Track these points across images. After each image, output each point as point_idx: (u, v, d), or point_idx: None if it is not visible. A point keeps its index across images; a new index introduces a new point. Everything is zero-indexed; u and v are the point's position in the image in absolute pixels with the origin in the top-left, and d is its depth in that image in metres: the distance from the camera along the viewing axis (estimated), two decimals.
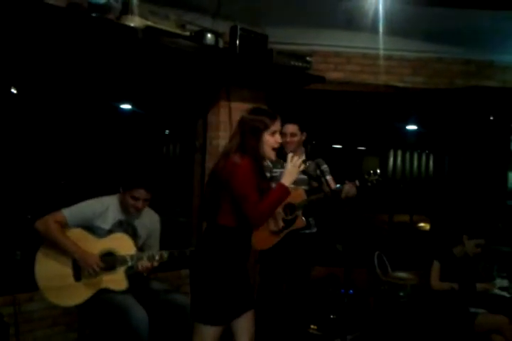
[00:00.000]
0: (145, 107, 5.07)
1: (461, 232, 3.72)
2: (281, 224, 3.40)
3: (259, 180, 2.32)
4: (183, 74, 3.98)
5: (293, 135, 3.55)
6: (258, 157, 2.36)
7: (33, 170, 4.27)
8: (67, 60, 3.49)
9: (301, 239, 3.51)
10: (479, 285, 3.56)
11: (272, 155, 2.40)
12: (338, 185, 3.49)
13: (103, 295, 2.77)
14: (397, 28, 4.07)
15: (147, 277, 3.05)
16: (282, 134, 3.51)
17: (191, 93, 4.21)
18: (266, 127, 2.34)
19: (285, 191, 2.31)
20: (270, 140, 2.36)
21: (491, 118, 5.24)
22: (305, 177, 3.58)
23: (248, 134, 2.34)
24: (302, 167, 2.33)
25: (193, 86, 4.16)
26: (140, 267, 2.84)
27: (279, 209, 3.38)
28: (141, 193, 2.91)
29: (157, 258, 2.86)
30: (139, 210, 2.97)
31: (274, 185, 3.49)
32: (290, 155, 2.34)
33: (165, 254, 2.89)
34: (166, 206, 4.65)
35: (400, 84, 4.55)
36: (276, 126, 2.37)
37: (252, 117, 2.38)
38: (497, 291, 3.72)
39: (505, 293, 3.72)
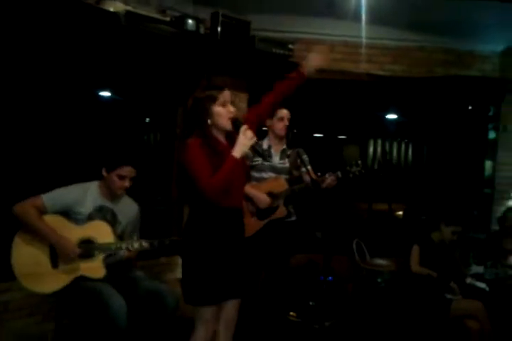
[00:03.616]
0: (125, 94, 4.98)
1: (439, 219, 3.78)
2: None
3: (211, 157, 2.31)
4: (162, 60, 3.93)
5: (289, 119, 3.59)
6: (209, 134, 2.37)
7: (12, 159, 4.18)
8: (44, 46, 3.41)
9: (281, 228, 3.52)
10: (452, 284, 3.58)
11: (228, 125, 2.39)
12: (318, 174, 3.51)
13: (81, 283, 2.74)
14: (379, 16, 4.08)
15: (126, 265, 3.04)
16: (279, 119, 3.56)
17: (171, 80, 4.16)
18: (214, 99, 2.37)
19: (236, 162, 2.31)
20: (222, 111, 2.37)
21: (470, 107, 5.30)
22: (286, 166, 3.59)
23: (196, 114, 2.39)
24: (254, 140, 2.31)
25: (174, 72, 4.11)
26: (124, 253, 2.84)
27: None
28: (127, 171, 2.87)
29: (136, 246, 2.84)
30: (125, 189, 2.94)
31: (255, 174, 3.55)
32: (244, 127, 2.32)
33: (144, 243, 2.86)
34: (147, 195, 4.60)
35: (381, 73, 4.57)
36: (224, 96, 2.39)
37: (198, 96, 2.42)
38: (472, 281, 3.80)
39: (479, 284, 3.79)
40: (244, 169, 2.55)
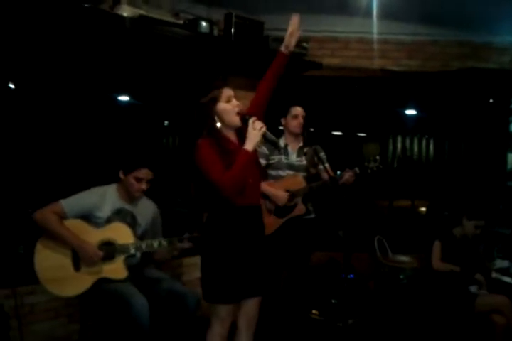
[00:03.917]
0: (142, 98, 5.06)
1: (461, 213, 3.73)
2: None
3: (223, 156, 2.33)
4: (178, 64, 3.97)
5: (303, 117, 3.59)
6: (218, 134, 2.39)
7: (32, 163, 4.27)
8: (61, 52, 3.49)
9: (300, 225, 3.52)
10: (478, 276, 3.54)
11: (237, 120, 2.39)
12: (338, 172, 3.50)
13: (103, 285, 2.78)
14: (391, 11, 4.05)
15: (146, 265, 3.09)
16: (293, 116, 3.57)
17: (187, 83, 4.20)
18: (216, 98, 2.41)
19: (248, 155, 2.31)
20: (227, 107, 2.40)
21: (490, 100, 5.21)
22: (304, 163, 3.59)
23: (205, 118, 2.42)
24: (263, 130, 2.31)
25: (189, 75, 4.14)
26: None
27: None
28: (144, 173, 2.90)
29: (156, 246, 2.87)
30: (143, 192, 2.97)
31: (273, 172, 3.57)
32: (251, 119, 2.32)
33: (163, 242, 2.90)
34: (167, 197, 4.65)
35: (396, 68, 4.53)
36: (225, 92, 2.42)
37: (202, 101, 2.47)
38: (497, 275, 3.74)
39: (505, 278, 3.73)
40: (258, 166, 2.56)
